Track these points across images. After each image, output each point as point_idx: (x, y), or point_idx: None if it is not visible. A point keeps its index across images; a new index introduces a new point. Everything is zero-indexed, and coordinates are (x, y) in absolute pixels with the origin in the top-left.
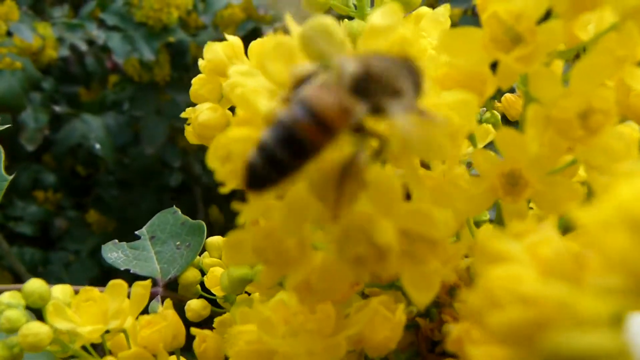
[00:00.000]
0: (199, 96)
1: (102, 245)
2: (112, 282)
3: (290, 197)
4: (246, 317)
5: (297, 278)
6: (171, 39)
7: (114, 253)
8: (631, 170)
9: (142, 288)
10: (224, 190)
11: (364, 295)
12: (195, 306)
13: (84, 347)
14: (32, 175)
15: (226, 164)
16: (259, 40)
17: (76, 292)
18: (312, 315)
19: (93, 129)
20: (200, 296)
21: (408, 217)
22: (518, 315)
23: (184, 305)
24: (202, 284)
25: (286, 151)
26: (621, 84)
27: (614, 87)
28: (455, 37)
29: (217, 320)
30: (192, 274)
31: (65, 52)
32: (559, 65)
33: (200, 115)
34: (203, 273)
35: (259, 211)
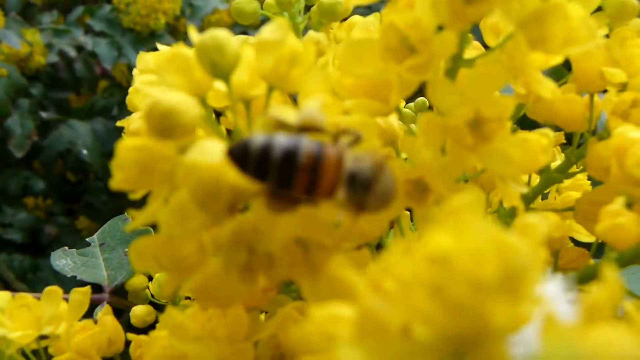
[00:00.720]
0: (133, 105)
1: (52, 253)
2: (47, 289)
3: (174, 204)
4: (164, 324)
5: (191, 284)
6: (159, 44)
7: (63, 260)
8: (455, 211)
9: (80, 295)
10: (134, 196)
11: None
12: (140, 312)
13: (23, 353)
14: (21, 181)
15: (118, 171)
16: (157, 51)
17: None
18: (223, 320)
19: (80, 135)
20: (150, 302)
21: (295, 223)
22: None
23: None
24: None
25: (279, 163)
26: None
27: (524, 94)
28: (356, 47)
29: (152, 333)
30: (138, 280)
31: (54, 58)
32: (464, 74)
33: (132, 124)
34: (151, 279)
35: (149, 218)
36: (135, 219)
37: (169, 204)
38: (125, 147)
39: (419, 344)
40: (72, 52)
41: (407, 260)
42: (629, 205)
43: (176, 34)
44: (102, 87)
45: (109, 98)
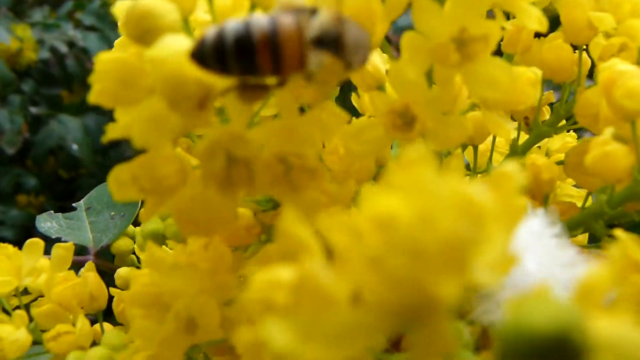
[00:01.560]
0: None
1: (37, 216)
2: (29, 241)
3: (145, 110)
4: (145, 262)
5: (169, 205)
6: None
7: (48, 223)
8: (407, 165)
9: (63, 250)
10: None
11: None
12: (125, 273)
13: (4, 310)
14: (13, 178)
15: (97, 83)
16: None
17: None
18: (206, 254)
19: (70, 130)
20: (137, 266)
21: (276, 137)
22: (255, 343)
23: None
24: None
25: (235, 52)
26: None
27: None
28: None
29: (132, 272)
30: (124, 243)
31: (45, 54)
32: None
33: None
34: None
35: (124, 129)
36: (110, 130)
37: (142, 111)
38: (105, 59)
39: (358, 320)
40: (64, 48)
41: (348, 223)
42: None
43: None
44: None
45: None
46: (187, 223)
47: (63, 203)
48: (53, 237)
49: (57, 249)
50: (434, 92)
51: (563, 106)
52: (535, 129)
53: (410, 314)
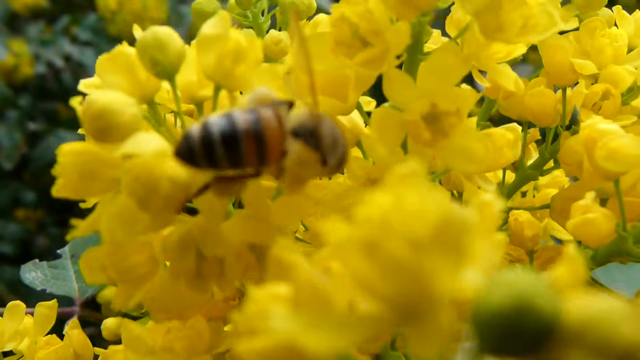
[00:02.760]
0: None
1: (22, 266)
2: (10, 304)
3: (115, 207)
4: (122, 336)
5: (137, 297)
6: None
7: (32, 273)
8: (399, 178)
9: (46, 309)
10: (84, 205)
11: None
12: (111, 324)
13: None
14: (11, 193)
15: (59, 177)
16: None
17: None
18: (182, 332)
19: None
20: (124, 314)
21: (247, 229)
22: (261, 345)
23: None
24: None
25: (222, 146)
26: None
27: (490, 88)
28: (312, 41)
29: (111, 347)
30: (110, 292)
31: (42, 68)
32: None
33: None
34: None
35: (92, 225)
36: (78, 228)
37: (110, 208)
38: (65, 151)
39: (361, 315)
40: (60, 62)
41: (345, 224)
42: (603, 202)
43: None
44: None
45: None
46: (159, 311)
47: (61, 216)
48: (38, 288)
49: (40, 307)
50: (407, 160)
51: (548, 148)
52: (521, 172)
53: (411, 305)
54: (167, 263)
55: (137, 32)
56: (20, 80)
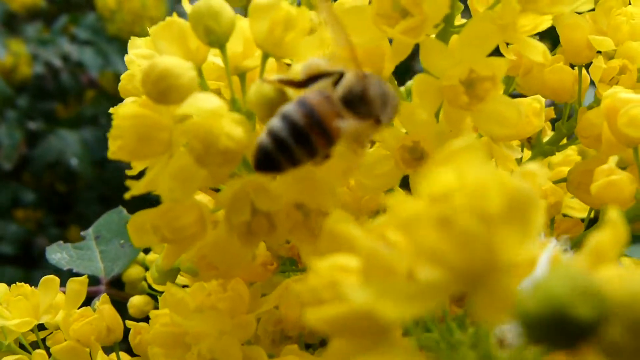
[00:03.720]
0: (126, 91)
1: (47, 247)
2: (45, 278)
3: (173, 166)
4: (165, 302)
5: (191, 252)
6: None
7: (58, 254)
8: (454, 153)
9: (77, 284)
10: (132, 172)
11: None
12: (137, 302)
13: (21, 345)
14: (11, 194)
15: (117, 140)
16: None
17: None
18: (224, 294)
19: (69, 145)
20: (148, 294)
21: (296, 188)
22: (333, 314)
23: None
24: None
25: (297, 145)
26: (528, 62)
27: (518, 61)
28: (348, 16)
29: (152, 312)
30: (135, 271)
31: (40, 68)
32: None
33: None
34: (148, 270)
35: (149, 185)
36: (134, 187)
37: (168, 167)
38: (123, 114)
39: (427, 284)
40: (58, 62)
41: (410, 202)
42: (622, 169)
43: None
44: (89, 97)
45: (96, 107)
46: (208, 269)
47: (61, 217)
48: (64, 268)
49: (72, 283)
50: (442, 127)
51: (565, 124)
52: (538, 148)
53: (477, 274)
54: (216, 225)
55: (186, 4)
56: (18, 80)
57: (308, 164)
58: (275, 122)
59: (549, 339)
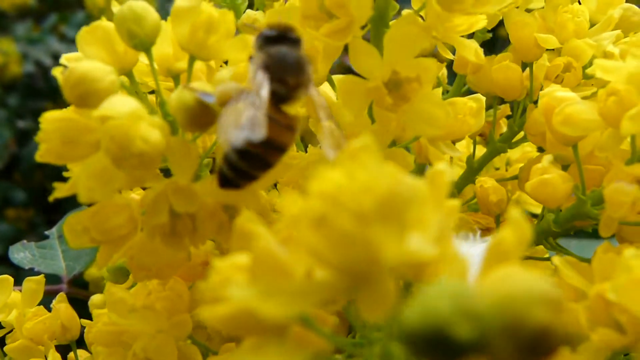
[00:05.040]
0: None
1: (10, 247)
2: None
3: (91, 167)
4: (105, 299)
5: (118, 255)
6: None
7: (21, 253)
8: (352, 153)
9: (33, 283)
10: (67, 174)
11: None
12: (98, 301)
13: None
14: (1, 193)
15: (43, 143)
16: None
17: None
18: (163, 294)
19: None
20: None
21: (220, 190)
22: (221, 312)
23: None
24: None
25: (246, 163)
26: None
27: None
28: (277, 16)
29: (95, 311)
30: (96, 271)
31: (30, 67)
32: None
33: None
34: None
35: (70, 187)
36: (58, 189)
37: (87, 167)
38: (48, 118)
39: (313, 282)
40: (48, 61)
41: (299, 198)
42: (564, 168)
43: None
44: None
45: None
46: (139, 270)
47: (51, 216)
48: (26, 267)
49: (28, 282)
50: (375, 127)
51: (517, 121)
52: (491, 145)
53: (361, 273)
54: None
55: (115, 7)
56: (8, 79)
57: None
58: (230, 155)
59: (430, 355)
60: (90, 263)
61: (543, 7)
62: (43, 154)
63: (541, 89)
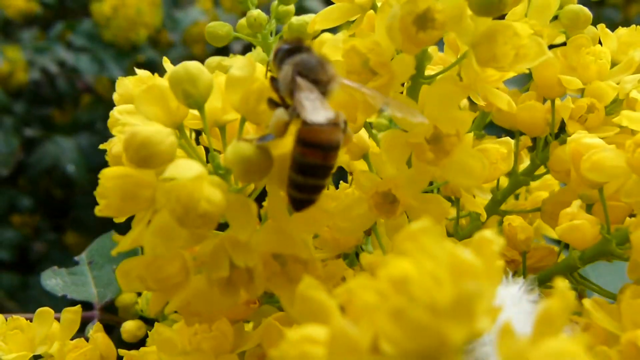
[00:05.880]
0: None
1: (42, 273)
2: (39, 310)
3: (156, 225)
4: (153, 340)
5: (175, 302)
6: (141, 57)
7: (53, 280)
8: (412, 235)
9: (71, 314)
10: (118, 220)
11: None
12: (130, 327)
13: None
14: (7, 199)
15: (102, 199)
16: (135, 76)
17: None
18: (209, 334)
19: (66, 151)
20: (140, 317)
21: (271, 240)
22: None
23: None
24: None
25: (311, 176)
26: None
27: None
28: None
29: (142, 349)
30: (128, 296)
31: (36, 74)
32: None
33: (114, 147)
34: (140, 294)
35: (134, 242)
36: (121, 244)
37: (151, 226)
38: (107, 175)
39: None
40: (54, 68)
41: (370, 284)
42: (589, 206)
43: (158, 46)
44: (85, 102)
45: (92, 112)
46: (191, 315)
47: (58, 222)
48: (59, 294)
49: (66, 313)
50: (412, 174)
51: (539, 155)
52: (514, 177)
53: (428, 355)
54: (198, 272)
55: (167, 65)
56: (14, 86)
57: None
58: (294, 179)
59: None
60: (122, 290)
61: (565, 44)
62: (102, 209)
63: (564, 126)
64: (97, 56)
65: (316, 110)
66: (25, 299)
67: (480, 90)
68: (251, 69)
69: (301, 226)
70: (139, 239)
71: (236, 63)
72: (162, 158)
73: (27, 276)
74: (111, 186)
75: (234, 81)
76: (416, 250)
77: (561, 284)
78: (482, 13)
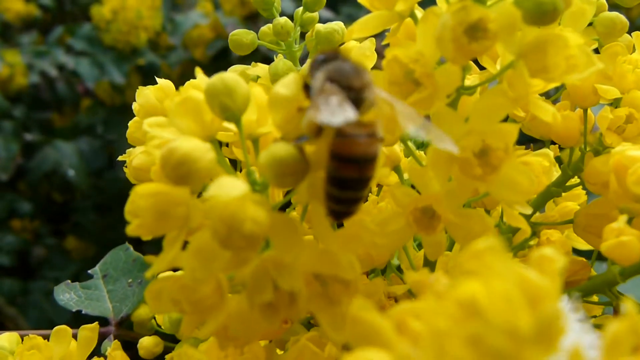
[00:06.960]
0: (134, 139)
1: (55, 287)
2: (56, 329)
3: (195, 246)
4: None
5: (212, 326)
6: (141, 61)
7: (66, 294)
8: (478, 254)
9: (89, 331)
10: (146, 238)
11: (311, 325)
12: (147, 344)
13: None
14: (7, 204)
15: (134, 218)
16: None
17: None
18: (241, 357)
19: (66, 155)
20: (156, 332)
21: (314, 260)
22: None
23: None
24: None
25: (349, 189)
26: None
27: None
28: None
29: (167, 357)
30: (144, 311)
31: (35, 78)
32: (467, 101)
33: (135, 159)
34: None
35: (169, 263)
36: (155, 266)
37: (190, 247)
38: (140, 193)
39: None
40: (54, 72)
41: (438, 307)
42: (629, 220)
43: (157, 49)
44: (85, 106)
45: (92, 116)
46: (227, 339)
47: (58, 226)
48: (73, 309)
49: (83, 331)
50: (453, 189)
51: (570, 166)
52: (545, 189)
53: None
54: (234, 292)
55: (201, 76)
56: (14, 91)
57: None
58: (330, 192)
59: None
60: (138, 304)
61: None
62: (135, 229)
63: (600, 137)
64: (97, 60)
65: (332, 112)
66: (25, 304)
67: (525, 105)
68: (295, 88)
69: (345, 244)
70: (174, 261)
71: (282, 80)
72: (201, 175)
73: (27, 281)
74: (145, 205)
75: (278, 99)
76: (483, 270)
77: (629, 304)
78: (535, 22)
